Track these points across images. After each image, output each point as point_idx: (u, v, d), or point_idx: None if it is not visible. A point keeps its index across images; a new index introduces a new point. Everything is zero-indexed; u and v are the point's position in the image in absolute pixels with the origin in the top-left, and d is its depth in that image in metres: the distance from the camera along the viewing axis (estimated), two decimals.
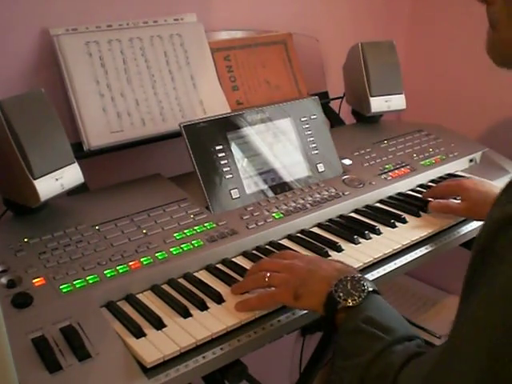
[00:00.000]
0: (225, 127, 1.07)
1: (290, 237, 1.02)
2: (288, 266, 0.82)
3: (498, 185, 1.13)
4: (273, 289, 0.81)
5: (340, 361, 0.69)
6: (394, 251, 0.98)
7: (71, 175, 0.96)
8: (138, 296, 0.83)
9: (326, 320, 0.75)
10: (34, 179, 0.89)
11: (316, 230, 1.05)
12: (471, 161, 1.38)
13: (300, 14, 1.57)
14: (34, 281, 0.80)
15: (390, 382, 0.61)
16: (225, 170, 1.05)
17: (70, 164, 0.95)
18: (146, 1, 1.25)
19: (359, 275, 0.76)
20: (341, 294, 0.72)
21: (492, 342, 0.52)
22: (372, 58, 1.41)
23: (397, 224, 1.06)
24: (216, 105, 1.24)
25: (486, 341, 0.52)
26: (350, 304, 0.71)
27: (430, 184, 1.26)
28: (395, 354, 0.64)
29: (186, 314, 0.79)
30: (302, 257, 0.86)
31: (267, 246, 0.98)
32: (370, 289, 0.73)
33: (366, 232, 1.01)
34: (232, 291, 0.84)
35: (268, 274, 0.81)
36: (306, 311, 0.82)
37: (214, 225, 0.98)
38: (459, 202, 1.08)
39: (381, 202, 1.17)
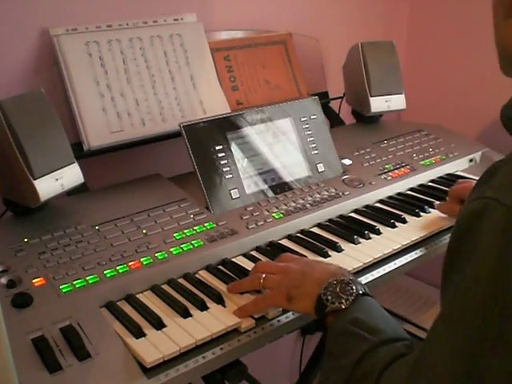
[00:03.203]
0: (225, 127, 1.07)
1: (289, 237, 1.02)
2: (283, 269, 0.81)
3: None
4: (267, 291, 0.81)
5: (327, 362, 0.69)
6: (394, 251, 0.98)
7: (71, 175, 0.96)
8: (137, 296, 0.83)
9: (320, 323, 0.75)
10: (34, 179, 0.89)
11: (316, 230, 1.05)
12: (471, 161, 1.38)
13: (300, 14, 1.57)
14: (33, 281, 0.80)
15: (372, 383, 0.60)
16: (225, 169, 1.05)
17: (69, 164, 0.95)
18: (145, 1, 1.26)
19: (350, 278, 0.74)
20: (329, 297, 0.72)
21: (464, 338, 0.53)
22: (372, 58, 1.41)
23: (397, 224, 1.06)
24: (216, 105, 1.24)
25: (457, 339, 0.54)
26: (338, 307, 0.71)
27: (430, 184, 1.26)
28: (380, 355, 0.63)
29: (185, 314, 0.79)
30: (298, 259, 0.86)
31: (267, 246, 0.98)
32: (360, 291, 0.72)
33: (366, 232, 1.01)
34: (228, 290, 0.84)
35: (263, 276, 0.81)
36: None
37: (214, 225, 0.98)
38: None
39: (381, 202, 1.17)
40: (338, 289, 0.72)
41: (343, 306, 0.70)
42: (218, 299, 0.82)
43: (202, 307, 0.80)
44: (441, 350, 0.55)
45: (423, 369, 0.56)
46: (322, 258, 0.94)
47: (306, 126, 1.19)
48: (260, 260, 0.93)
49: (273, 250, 0.97)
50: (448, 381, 0.53)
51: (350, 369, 0.63)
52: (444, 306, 0.58)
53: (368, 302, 0.72)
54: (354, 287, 0.72)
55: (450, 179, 1.28)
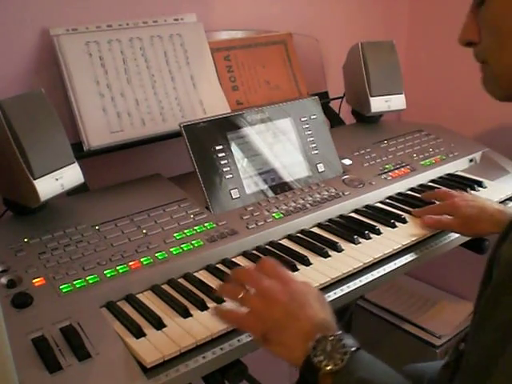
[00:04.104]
0: (225, 127, 1.07)
1: (289, 237, 1.02)
2: (266, 293, 0.71)
3: (491, 198, 1.13)
4: (244, 310, 0.73)
5: None
6: (394, 251, 0.98)
7: (71, 175, 0.96)
8: (138, 296, 0.83)
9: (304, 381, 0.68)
10: (34, 179, 0.89)
11: (316, 230, 1.05)
12: (471, 161, 1.38)
13: (300, 14, 1.57)
14: (33, 281, 0.80)
15: None
16: (225, 169, 1.05)
17: (69, 164, 0.95)
18: (145, 1, 1.26)
19: (339, 333, 0.67)
20: (321, 358, 0.64)
21: None
22: (372, 58, 1.41)
23: (397, 224, 1.06)
24: (216, 105, 1.24)
25: None
26: (333, 368, 0.64)
27: (430, 184, 1.26)
28: None
29: (185, 314, 0.79)
30: (285, 282, 0.73)
31: (267, 246, 0.98)
32: (353, 348, 0.65)
33: (366, 232, 1.01)
34: (217, 289, 0.79)
35: (244, 291, 0.73)
36: None
37: (214, 225, 0.98)
38: (452, 217, 1.05)
39: (381, 202, 1.17)
40: (328, 347, 0.65)
41: (339, 367, 0.64)
42: (218, 299, 0.82)
43: (202, 307, 0.80)
44: None
45: None
46: (322, 258, 0.94)
47: (306, 126, 1.19)
48: (259, 258, 0.92)
49: (273, 249, 0.97)
50: None
51: None
52: (499, 359, 0.54)
53: (365, 358, 0.66)
54: (345, 344, 0.65)
55: (450, 179, 1.28)
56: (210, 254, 0.92)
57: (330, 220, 1.08)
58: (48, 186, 0.91)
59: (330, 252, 0.95)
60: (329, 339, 0.65)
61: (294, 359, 0.67)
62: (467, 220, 1.02)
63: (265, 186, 1.10)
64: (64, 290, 0.79)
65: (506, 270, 0.56)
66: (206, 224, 0.97)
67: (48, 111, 0.94)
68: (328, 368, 0.64)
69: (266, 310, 0.70)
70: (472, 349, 0.59)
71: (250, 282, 0.74)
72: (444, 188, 1.15)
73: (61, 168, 0.93)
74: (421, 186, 1.25)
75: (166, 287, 0.86)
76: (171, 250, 0.90)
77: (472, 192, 1.21)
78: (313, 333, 0.66)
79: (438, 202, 1.12)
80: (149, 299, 0.83)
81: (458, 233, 1.06)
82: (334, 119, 1.51)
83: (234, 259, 0.94)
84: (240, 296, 0.72)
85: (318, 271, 0.90)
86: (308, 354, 0.65)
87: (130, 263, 0.86)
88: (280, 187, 1.11)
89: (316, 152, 1.19)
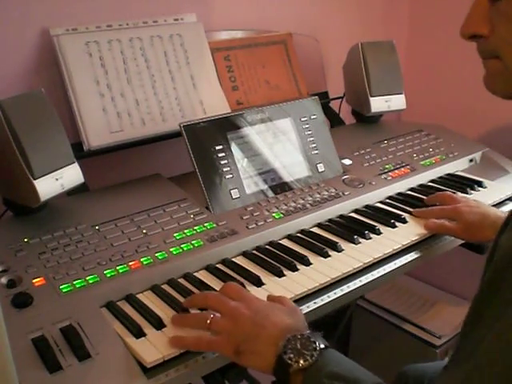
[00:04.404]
0: (225, 127, 1.07)
1: (289, 237, 1.02)
2: (233, 313, 0.74)
3: (491, 198, 1.12)
4: (209, 334, 0.74)
5: None
6: (394, 251, 0.98)
7: (71, 175, 0.96)
8: (138, 296, 0.83)
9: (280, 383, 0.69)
10: (34, 179, 0.89)
11: (316, 230, 1.05)
12: (471, 161, 1.38)
13: (300, 14, 1.57)
14: (33, 281, 0.80)
15: None
16: (225, 169, 1.05)
17: (69, 164, 0.95)
18: (146, 1, 1.26)
19: (308, 332, 0.69)
20: (291, 356, 0.66)
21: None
22: (372, 58, 1.41)
23: (397, 224, 1.06)
24: (216, 105, 1.24)
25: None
26: (304, 365, 0.65)
27: (430, 184, 1.26)
28: None
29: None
30: (249, 301, 0.76)
31: (267, 246, 0.98)
32: (322, 346, 0.67)
33: (366, 232, 1.01)
34: (172, 321, 0.77)
35: (211, 316, 0.74)
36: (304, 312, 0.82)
37: (214, 225, 0.98)
38: (455, 223, 1.04)
39: (381, 202, 1.17)
40: (298, 345, 0.67)
41: (309, 363, 0.65)
42: None
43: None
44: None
45: None
46: (322, 258, 0.94)
47: (306, 126, 1.19)
48: (259, 258, 0.93)
49: (273, 249, 0.97)
50: None
51: None
52: (478, 353, 0.54)
53: (334, 354, 0.68)
54: (315, 341, 0.67)
55: (450, 179, 1.28)
56: (209, 254, 0.92)
57: (330, 220, 1.08)
58: (48, 186, 0.91)
59: (330, 252, 0.95)
60: (298, 338, 0.68)
61: (267, 364, 0.69)
62: (469, 226, 1.02)
63: (265, 186, 1.10)
64: (64, 290, 0.79)
65: (504, 256, 0.56)
66: (205, 224, 0.97)
67: (48, 111, 0.94)
68: (299, 364, 0.66)
69: (235, 328, 0.72)
70: (465, 336, 0.59)
71: (217, 305, 0.76)
72: (448, 192, 1.14)
73: (61, 168, 0.93)
74: (421, 186, 1.25)
75: (165, 287, 0.86)
76: (171, 249, 0.90)
77: (472, 192, 1.21)
78: (282, 336, 0.68)
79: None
80: (149, 299, 0.83)
81: (459, 238, 1.06)
82: (334, 119, 1.51)
83: (234, 259, 0.94)
84: (208, 322, 0.74)
85: (317, 271, 0.90)
86: (279, 353, 0.67)
87: (130, 263, 0.86)
88: (280, 187, 1.11)
89: (316, 152, 1.19)
